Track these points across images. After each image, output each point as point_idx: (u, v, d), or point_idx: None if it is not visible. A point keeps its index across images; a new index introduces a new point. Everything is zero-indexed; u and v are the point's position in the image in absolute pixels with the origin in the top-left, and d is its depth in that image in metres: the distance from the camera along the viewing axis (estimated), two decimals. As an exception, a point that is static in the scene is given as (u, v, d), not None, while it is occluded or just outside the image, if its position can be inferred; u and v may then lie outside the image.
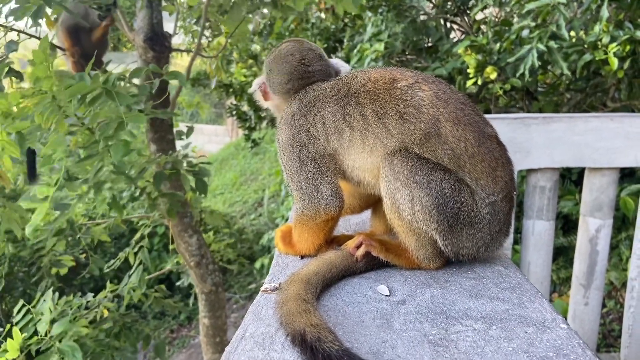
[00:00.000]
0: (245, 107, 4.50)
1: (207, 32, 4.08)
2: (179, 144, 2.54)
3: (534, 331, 0.78)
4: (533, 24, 2.25)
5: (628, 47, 2.20)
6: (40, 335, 1.58)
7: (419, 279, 0.98)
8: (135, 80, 1.94)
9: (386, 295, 0.91)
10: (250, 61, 4.46)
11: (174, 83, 2.46)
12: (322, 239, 1.10)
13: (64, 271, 2.15)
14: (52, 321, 1.61)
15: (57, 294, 1.87)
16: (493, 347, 0.73)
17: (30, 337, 1.58)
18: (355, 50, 2.97)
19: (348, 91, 1.04)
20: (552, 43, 2.15)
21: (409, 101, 0.99)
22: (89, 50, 2.26)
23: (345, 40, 3.71)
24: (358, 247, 1.02)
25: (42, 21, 2.11)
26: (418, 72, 1.06)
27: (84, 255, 2.53)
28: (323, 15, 3.98)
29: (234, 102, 4.51)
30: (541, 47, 2.14)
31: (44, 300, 1.62)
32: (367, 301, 0.89)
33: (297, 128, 1.07)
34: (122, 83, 1.67)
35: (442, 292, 0.92)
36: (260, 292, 0.95)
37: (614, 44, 2.15)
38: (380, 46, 2.78)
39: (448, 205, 0.96)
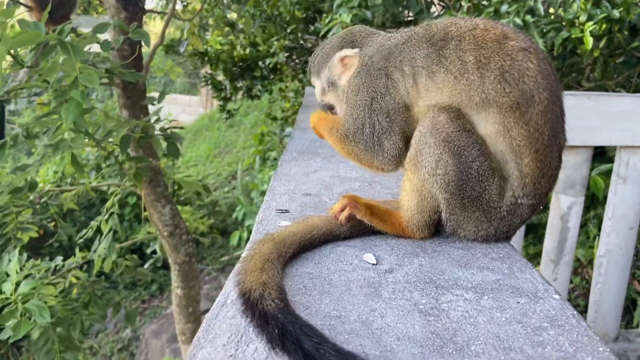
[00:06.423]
0: (220, 77, 4.37)
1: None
2: (151, 110, 2.45)
3: (527, 302, 0.77)
4: (511, -2, 2.23)
5: (604, 26, 2.21)
6: (5, 295, 1.51)
7: (406, 248, 0.97)
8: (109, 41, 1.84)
9: (373, 264, 0.89)
10: (227, 29, 4.32)
11: (147, 49, 2.35)
12: None
13: (31, 234, 2.05)
14: (18, 283, 1.54)
15: (25, 255, 1.79)
16: (486, 317, 0.72)
17: None
18: (327, 20, 2.88)
19: (446, 35, 0.97)
20: (528, 17, 2.13)
21: (516, 63, 0.91)
22: (55, 10, 2.13)
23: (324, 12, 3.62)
24: (343, 210, 1.00)
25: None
26: (531, 38, 0.98)
27: (53, 223, 2.44)
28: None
29: (209, 71, 4.37)
30: (518, 21, 2.12)
31: (10, 260, 1.54)
32: (354, 269, 0.87)
33: (376, 72, 1.01)
34: (78, 37, 1.57)
35: (431, 261, 0.91)
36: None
37: (591, 23, 2.15)
38: (347, 17, 2.70)
39: (469, 186, 0.93)
